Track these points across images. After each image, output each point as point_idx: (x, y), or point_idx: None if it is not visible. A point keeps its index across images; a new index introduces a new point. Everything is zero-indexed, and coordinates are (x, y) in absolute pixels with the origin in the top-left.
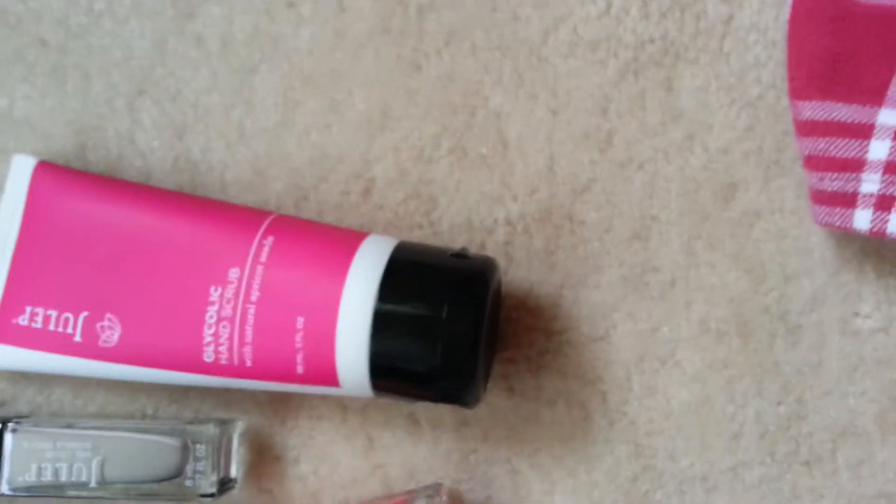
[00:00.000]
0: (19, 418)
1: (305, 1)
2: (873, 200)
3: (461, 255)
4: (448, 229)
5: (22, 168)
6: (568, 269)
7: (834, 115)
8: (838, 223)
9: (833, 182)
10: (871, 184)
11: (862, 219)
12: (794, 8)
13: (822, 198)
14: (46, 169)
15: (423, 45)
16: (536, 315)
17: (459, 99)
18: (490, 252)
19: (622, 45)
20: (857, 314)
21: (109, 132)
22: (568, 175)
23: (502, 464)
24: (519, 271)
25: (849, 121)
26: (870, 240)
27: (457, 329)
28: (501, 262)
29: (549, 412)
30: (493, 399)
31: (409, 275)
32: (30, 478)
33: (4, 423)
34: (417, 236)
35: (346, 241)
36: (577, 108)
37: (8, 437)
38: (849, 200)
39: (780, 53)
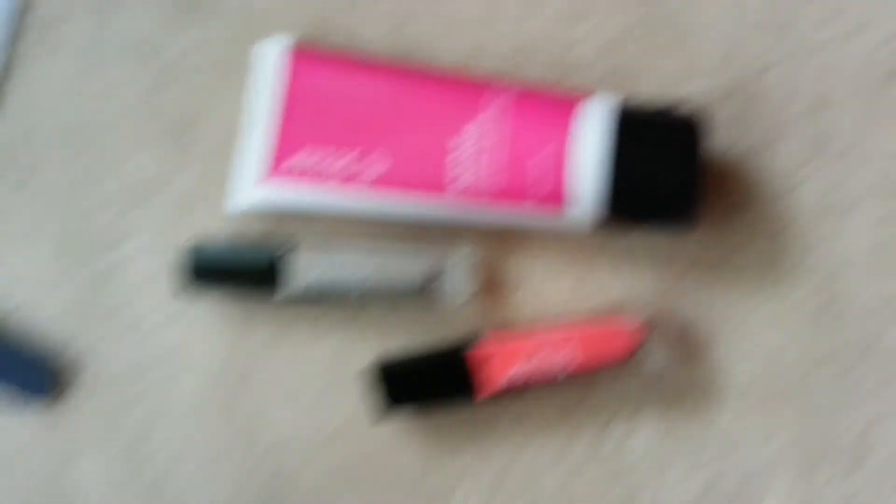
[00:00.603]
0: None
1: None
2: None
3: (674, 109)
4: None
5: (277, 46)
6: (754, 136)
7: None
8: None
9: None
10: None
11: None
12: None
13: None
14: (298, 48)
15: None
16: (730, 173)
17: None
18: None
19: None
20: None
21: (336, 24)
22: (751, 55)
23: (705, 292)
24: (711, 137)
25: None
26: None
27: (680, 163)
28: None
29: (746, 250)
30: (695, 238)
31: (636, 115)
32: (306, 284)
33: (284, 242)
34: None
35: (574, 95)
36: None
37: (287, 254)
38: None
39: None
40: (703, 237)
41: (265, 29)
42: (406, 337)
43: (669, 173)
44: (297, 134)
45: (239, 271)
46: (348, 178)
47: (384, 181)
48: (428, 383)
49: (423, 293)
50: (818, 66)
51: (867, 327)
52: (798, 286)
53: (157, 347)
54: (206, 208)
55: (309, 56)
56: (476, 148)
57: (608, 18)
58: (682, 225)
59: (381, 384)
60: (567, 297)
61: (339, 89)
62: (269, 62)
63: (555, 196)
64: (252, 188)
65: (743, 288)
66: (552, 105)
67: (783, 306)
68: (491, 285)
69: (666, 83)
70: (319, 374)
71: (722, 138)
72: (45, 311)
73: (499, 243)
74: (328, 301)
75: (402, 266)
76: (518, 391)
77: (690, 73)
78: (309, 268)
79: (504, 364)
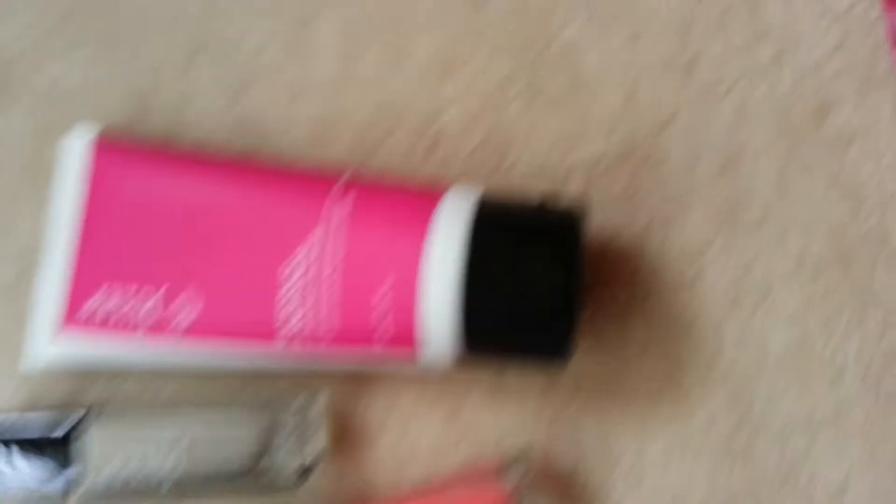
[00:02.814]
0: (94, 409)
1: None
2: None
3: (548, 204)
4: (523, 176)
5: (80, 142)
6: (652, 211)
7: None
8: None
9: None
10: None
11: None
12: None
13: None
14: (105, 142)
15: None
16: (620, 262)
17: (529, 33)
18: (568, 198)
19: None
20: None
21: (166, 97)
22: (649, 108)
23: (593, 420)
24: (599, 218)
25: None
26: None
27: (551, 281)
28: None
29: (638, 365)
30: (580, 354)
31: (497, 227)
32: (106, 478)
33: (80, 418)
34: (492, 185)
35: (425, 196)
36: (656, 32)
37: (91, 427)
38: None
39: None
40: (589, 352)
41: (82, 111)
42: None
43: (539, 298)
44: (95, 265)
45: (20, 453)
46: (155, 328)
47: (198, 329)
48: None
49: (255, 470)
50: (729, 113)
51: (786, 454)
52: (704, 405)
53: None
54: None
55: (115, 156)
56: (310, 277)
57: (483, 71)
58: (557, 357)
59: None
60: (434, 446)
61: (148, 200)
62: (70, 164)
63: (404, 337)
64: (46, 343)
65: (638, 413)
66: (401, 211)
67: (687, 432)
68: (344, 440)
69: (550, 150)
70: None
71: (613, 216)
72: None
73: (350, 387)
74: (136, 492)
75: (228, 438)
76: None
77: (579, 135)
78: (107, 454)
79: None
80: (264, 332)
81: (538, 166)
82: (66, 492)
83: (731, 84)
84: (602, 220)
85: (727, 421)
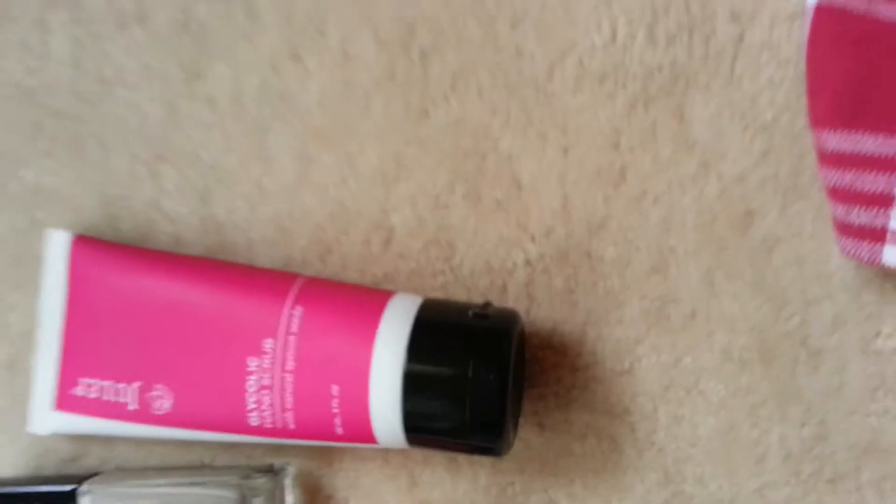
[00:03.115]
0: (90, 477)
1: (310, 54)
2: None
3: (483, 313)
4: (469, 274)
5: (59, 243)
6: (589, 305)
7: (860, 147)
8: (866, 258)
9: (861, 216)
10: None
11: (891, 255)
12: (813, 31)
13: (849, 231)
14: (82, 243)
15: (430, 90)
16: (561, 352)
17: (470, 143)
18: (511, 293)
19: (630, 76)
20: (878, 334)
21: (135, 200)
22: (583, 213)
23: (539, 495)
24: (541, 311)
25: (876, 153)
26: None
27: (483, 386)
28: (523, 302)
29: (580, 445)
30: (526, 435)
31: (434, 336)
32: None
33: (79, 482)
34: (440, 282)
35: (371, 304)
36: (587, 144)
37: (89, 489)
38: (877, 236)
39: (793, 71)
40: (535, 432)
41: (60, 213)
42: None
43: (473, 402)
44: (76, 359)
45: None
46: (132, 416)
47: (173, 419)
48: None
49: None
50: (657, 219)
51: None
52: (640, 482)
53: None
54: (13, 426)
55: (92, 256)
56: (272, 374)
57: (428, 177)
58: (496, 453)
59: None
60: None
61: (123, 297)
62: (51, 263)
63: (359, 431)
64: (45, 414)
65: (579, 489)
66: (349, 318)
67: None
68: (315, 501)
69: (494, 250)
70: None
71: (555, 309)
72: None
73: (319, 452)
74: None
75: (211, 498)
76: None
77: (520, 236)
78: None
79: None
80: (234, 421)
81: (484, 263)
82: None
83: (658, 193)
84: (545, 313)
85: (660, 498)
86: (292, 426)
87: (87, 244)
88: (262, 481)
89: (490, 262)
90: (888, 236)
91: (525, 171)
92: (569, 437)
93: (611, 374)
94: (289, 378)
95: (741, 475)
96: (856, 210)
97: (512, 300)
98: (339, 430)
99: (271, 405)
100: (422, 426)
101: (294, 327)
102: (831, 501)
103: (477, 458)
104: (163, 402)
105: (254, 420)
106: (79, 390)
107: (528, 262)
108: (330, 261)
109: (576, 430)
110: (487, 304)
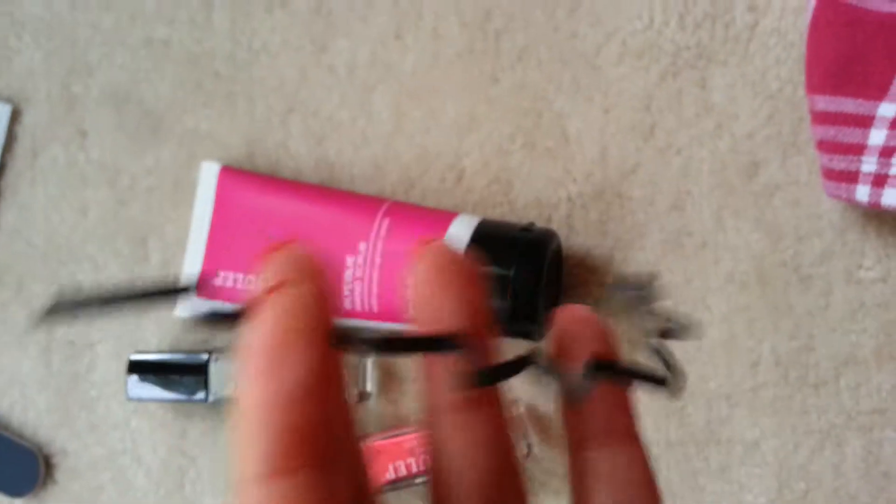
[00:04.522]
0: (219, 350)
1: (409, 32)
2: (871, 178)
3: (527, 229)
4: (522, 206)
5: (210, 171)
6: (618, 235)
7: (842, 108)
8: (844, 196)
9: (840, 163)
10: (869, 165)
11: (862, 192)
12: (815, 16)
13: (832, 175)
14: (227, 171)
15: (500, 61)
16: (593, 272)
17: (529, 104)
18: (554, 223)
19: (662, 53)
20: (860, 266)
21: (269, 142)
22: (618, 161)
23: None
24: (578, 238)
25: (854, 112)
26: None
27: (523, 282)
28: (563, 231)
29: None
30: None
31: (488, 242)
32: (228, 389)
33: (210, 353)
34: (498, 213)
35: (442, 219)
36: (625, 106)
37: (212, 364)
38: (852, 178)
39: (796, 53)
40: None
41: (211, 150)
42: None
43: (517, 288)
44: (217, 255)
45: (175, 374)
46: None
47: None
48: None
49: None
50: (678, 168)
51: (710, 417)
52: None
53: (115, 444)
54: (161, 314)
55: (234, 180)
56: (365, 268)
57: (495, 129)
58: (532, 337)
59: None
60: None
61: (256, 211)
62: (203, 185)
63: None
64: (190, 300)
65: None
66: (423, 228)
67: (637, 395)
68: (389, 378)
69: (543, 188)
70: None
71: (590, 238)
72: (32, 410)
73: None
74: None
75: None
76: (401, 484)
77: (565, 178)
78: (230, 373)
79: (387, 461)
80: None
81: (534, 198)
82: (205, 399)
83: (680, 146)
84: (581, 240)
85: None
86: (376, 310)
87: (231, 172)
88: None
89: (539, 197)
90: (860, 177)
91: (573, 126)
92: None
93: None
94: (376, 271)
95: (737, 377)
96: (836, 158)
97: (555, 228)
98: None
99: (361, 292)
100: None
101: (382, 233)
102: (814, 402)
103: (518, 351)
104: None
105: (347, 304)
106: (218, 280)
107: (569, 199)
108: (413, 194)
109: None
110: (531, 225)
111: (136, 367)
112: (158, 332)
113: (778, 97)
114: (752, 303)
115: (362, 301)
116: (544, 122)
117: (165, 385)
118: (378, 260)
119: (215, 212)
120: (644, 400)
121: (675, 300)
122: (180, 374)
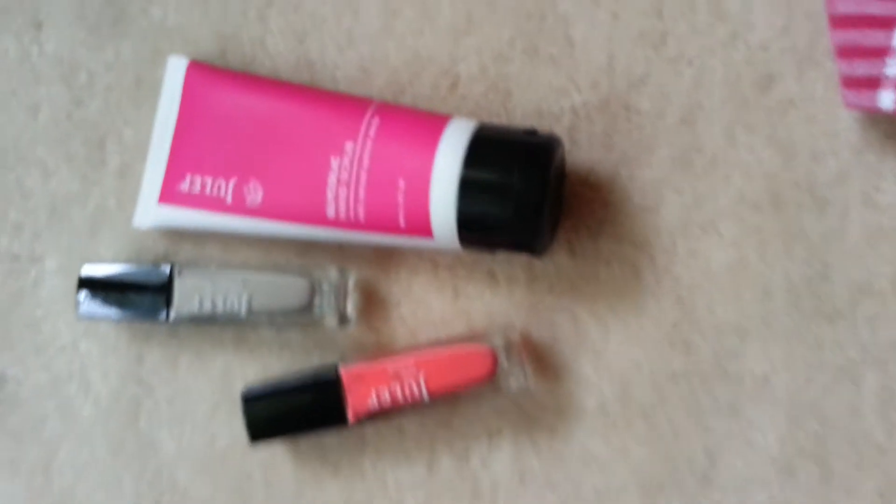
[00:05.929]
0: (185, 263)
1: None
2: (895, 82)
3: (531, 131)
4: (521, 117)
5: (177, 67)
6: (623, 150)
7: (864, 9)
8: (866, 104)
9: (862, 68)
10: (894, 68)
11: (886, 99)
12: None
13: (852, 83)
14: (196, 67)
15: None
16: (596, 189)
17: (532, 5)
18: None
19: None
20: (878, 189)
21: (244, 38)
22: (625, 70)
23: (565, 312)
24: (581, 153)
25: (878, 13)
26: (892, 123)
27: (526, 188)
28: (566, 145)
29: (605, 270)
30: (558, 259)
31: (489, 146)
32: (192, 308)
33: (173, 266)
34: (496, 123)
35: (437, 122)
36: (635, 11)
37: (176, 278)
38: (874, 83)
39: None
40: (567, 256)
41: (178, 45)
42: (290, 357)
43: (518, 201)
44: (183, 159)
45: (132, 291)
46: (228, 208)
47: (262, 211)
48: (297, 410)
49: (306, 314)
50: (689, 79)
51: (718, 349)
52: (655, 305)
53: (62, 369)
54: (117, 224)
55: (203, 77)
56: (349, 172)
57: (493, 32)
58: (534, 251)
59: (248, 415)
60: (440, 319)
61: (228, 110)
62: (169, 82)
63: (418, 226)
64: (150, 209)
65: (603, 306)
66: (417, 129)
67: (640, 325)
68: (372, 303)
69: (544, 97)
70: (209, 394)
71: (594, 152)
72: None
73: (378, 263)
74: (215, 321)
75: (285, 287)
76: (387, 413)
77: (569, 87)
78: (196, 290)
79: (370, 386)
80: (314, 213)
81: (535, 108)
82: (166, 319)
83: (692, 56)
84: (585, 154)
85: (671, 319)
86: (363, 219)
87: (200, 68)
88: (330, 271)
89: (540, 107)
90: (883, 82)
91: (578, 31)
92: (596, 263)
93: (637, 210)
94: (363, 175)
95: (747, 305)
96: (858, 63)
97: None
98: (402, 222)
99: (346, 198)
100: (473, 220)
101: (371, 133)
102: (829, 334)
103: (513, 277)
104: (255, 195)
105: (330, 212)
106: (184, 185)
107: (573, 110)
108: (402, 100)
109: (603, 257)
110: (533, 129)
111: (88, 283)
112: (114, 245)
113: (794, 7)
114: (763, 225)
115: (347, 208)
116: (547, 26)
117: (121, 303)
118: (367, 161)
119: (182, 111)
120: (648, 330)
121: (681, 221)
122: (138, 291)
